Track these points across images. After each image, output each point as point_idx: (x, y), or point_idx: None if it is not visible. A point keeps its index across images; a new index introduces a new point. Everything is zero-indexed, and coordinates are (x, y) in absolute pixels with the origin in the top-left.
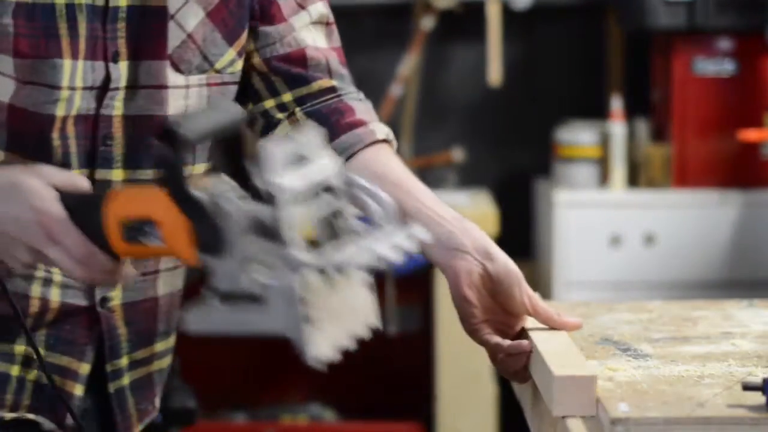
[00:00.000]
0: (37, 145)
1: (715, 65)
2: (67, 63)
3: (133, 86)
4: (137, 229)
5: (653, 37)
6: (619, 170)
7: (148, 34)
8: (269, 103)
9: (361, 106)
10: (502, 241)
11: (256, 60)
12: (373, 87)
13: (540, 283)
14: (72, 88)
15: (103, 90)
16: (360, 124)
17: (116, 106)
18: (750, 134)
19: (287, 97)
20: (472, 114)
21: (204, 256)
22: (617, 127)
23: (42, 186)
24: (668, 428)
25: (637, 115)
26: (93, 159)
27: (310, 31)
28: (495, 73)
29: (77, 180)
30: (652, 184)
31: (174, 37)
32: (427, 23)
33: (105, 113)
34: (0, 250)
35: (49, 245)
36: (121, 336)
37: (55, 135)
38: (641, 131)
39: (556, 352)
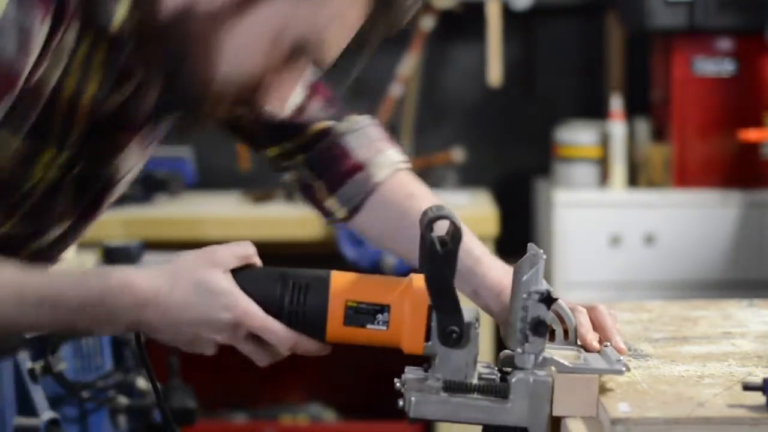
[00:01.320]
0: None
1: (715, 65)
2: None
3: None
4: (367, 313)
5: (653, 37)
6: (619, 170)
7: (92, 198)
8: (273, 151)
9: (356, 141)
10: (502, 241)
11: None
12: (373, 87)
13: None
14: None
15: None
16: (357, 168)
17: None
18: (750, 134)
19: (286, 146)
20: (472, 114)
21: (438, 347)
22: (617, 127)
23: (230, 281)
24: (668, 428)
25: (637, 115)
26: None
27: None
28: (495, 73)
29: (248, 251)
30: (652, 184)
31: (115, 194)
32: (427, 23)
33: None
34: (184, 344)
35: (245, 342)
36: None
37: None
38: (641, 131)
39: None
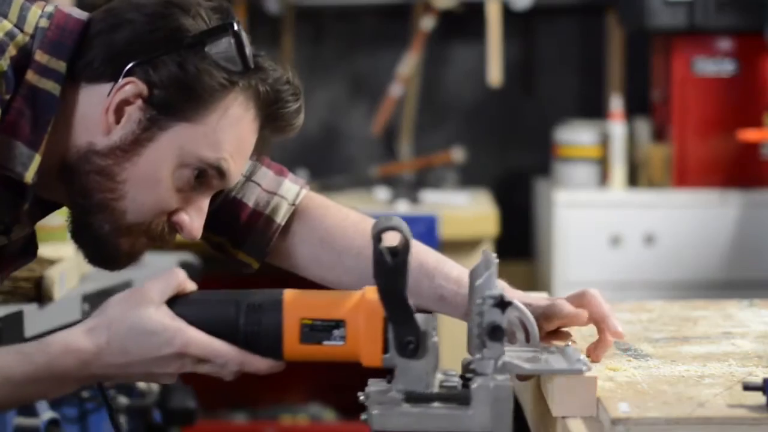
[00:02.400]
0: None
1: (715, 65)
2: None
3: None
4: (323, 330)
5: (653, 37)
6: (619, 170)
7: None
8: None
9: (248, 188)
10: (502, 241)
11: None
12: (373, 87)
13: (540, 283)
14: None
15: None
16: (256, 218)
17: None
18: (750, 134)
19: None
20: (472, 114)
21: (396, 358)
22: (617, 127)
23: (165, 314)
24: (669, 428)
25: (637, 115)
26: None
27: None
28: (495, 73)
29: (177, 278)
30: (652, 184)
31: None
32: (427, 23)
33: None
34: (141, 380)
35: (198, 366)
36: None
37: None
38: (641, 131)
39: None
